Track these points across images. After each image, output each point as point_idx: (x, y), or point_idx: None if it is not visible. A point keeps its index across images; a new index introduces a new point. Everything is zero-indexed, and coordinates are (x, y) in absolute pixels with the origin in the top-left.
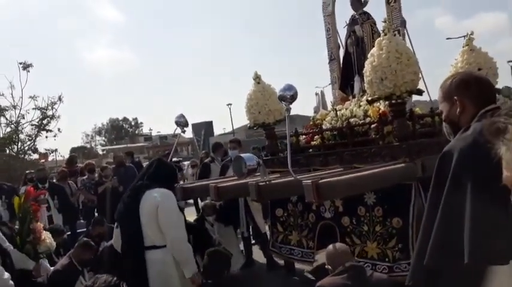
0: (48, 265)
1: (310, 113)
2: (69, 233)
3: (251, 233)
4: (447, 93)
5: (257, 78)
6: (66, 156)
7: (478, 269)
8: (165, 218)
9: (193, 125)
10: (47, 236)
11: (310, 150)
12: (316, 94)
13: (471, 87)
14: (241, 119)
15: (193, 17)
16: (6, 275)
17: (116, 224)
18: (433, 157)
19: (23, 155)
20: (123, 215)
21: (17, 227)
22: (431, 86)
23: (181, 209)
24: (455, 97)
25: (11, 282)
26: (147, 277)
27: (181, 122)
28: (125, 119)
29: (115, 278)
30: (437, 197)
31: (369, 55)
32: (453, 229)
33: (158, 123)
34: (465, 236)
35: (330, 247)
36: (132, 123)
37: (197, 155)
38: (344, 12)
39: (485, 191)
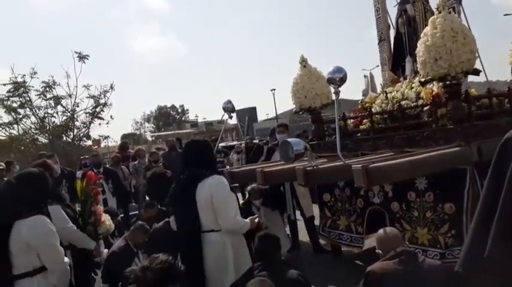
0: (103, 246)
1: (356, 97)
2: (122, 215)
3: (297, 216)
4: None
5: (303, 62)
6: (118, 142)
7: None
8: (220, 207)
9: (237, 111)
10: (106, 219)
11: (359, 134)
12: (365, 76)
13: None
14: (285, 105)
15: (237, 3)
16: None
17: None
18: (491, 141)
19: (78, 142)
20: (178, 201)
21: (78, 209)
22: (488, 65)
23: (234, 192)
24: None
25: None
26: (203, 258)
27: (229, 108)
28: (172, 107)
29: (170, 258)
30: (497, 187)
31: (421, 35)
32: None
33: (204, 110)
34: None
35: (381, 231)
36: (179, 110)
37: (242, 140)
38: None
39: None
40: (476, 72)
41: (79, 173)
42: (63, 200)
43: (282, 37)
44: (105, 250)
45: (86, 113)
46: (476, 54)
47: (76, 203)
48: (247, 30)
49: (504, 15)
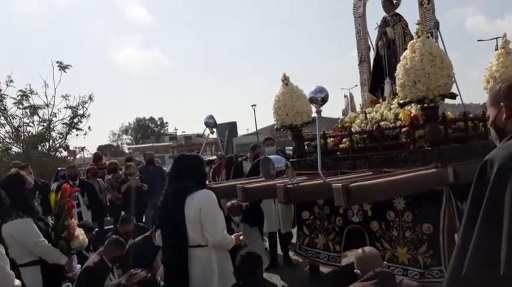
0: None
1: (335, 115)
2: (97, 229)
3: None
4: (494, 99)
5: (285, 80)
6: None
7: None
8: (208, 222)
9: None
10: (80, 233)
11: (338, 153)
12: (345, 96)
13: None
14: (265, 121)
15: (220, 20)
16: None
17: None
18: (466, 163)
19: (54, 153)
20: (166, 216)
21: (51, 222)
22: (463, 89)
23: (221, 207)
24: (502, 103)
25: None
26: (189, 274)
27: (211, 123)
28: (151, 119)
29: (150, 274)
30: (476, 210)
31: (401, 58)
32: (492, 245)
33: (183, 124)
34: (503, 249)
35: (360, 251)
36: (158, 122)
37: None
38: (375, 14)
39: None
40: (453, 96)
41: (54, 185)
42: (35, 213)
43: (264, 54)
44: (79, 266)
45: (63, 123)
46: (453, 79)
47: (49, 216)
48: (230, 46)
49: (478, 40)
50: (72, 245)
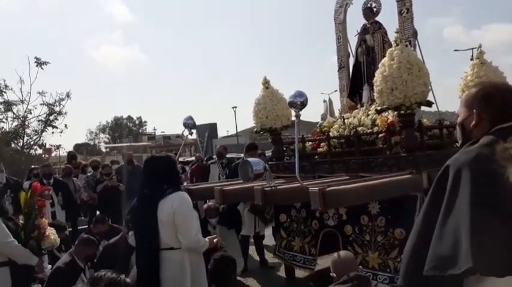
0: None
1: (314, 119)
2: (70, 229)
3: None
4: (469, 101)
5: (266, 83)
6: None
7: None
8: (182, 224)
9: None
10: (51, 233)
11: (316, 157)
12: (324, 101)
13: (494, 103)
14: (245, 123)
15: (202, 20)
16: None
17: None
18: (440, 170)
19: (28, 150)
20: (139, 218)
21: (21, 222)
22: (440, 97)
23: (196, 209)
24: (474, 110)
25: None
26: (160, 277)
27: (190, 124)
28: (129, 118)
29: (115, 275)
30: (433, 207)
31: (379, 65)
32: (447, 239)
33: (163, 123)
34: (463, 243)
35: (336, 254)
36: (137, 122)
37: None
38: (355, 21)
39: (482, 203)
40: (429, 104)
41: (27, 184)
42: (5, 212)
43: (246, 55)
44: (49, 266)
45: (39, 120)
46: (430, 87)
47: (20, 215)
48: (211, 46)
49: (454, 50)
50: (42, 245)
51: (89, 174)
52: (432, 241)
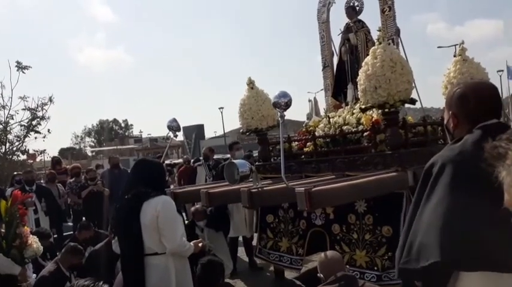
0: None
1: (301, 118)
2: (55, 236)
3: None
4: (447, 104)
5: (250, 84)
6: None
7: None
8: (166, 228)
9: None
10: (33, 241)
11: (303, 156)
12: (310, 101)
13: (469, 104)
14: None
15: (187, 20)
16: None
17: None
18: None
19: (10, 156)
20: (122, 223)
21: (3, 231)
22: (424, 94)
23: (180, 213)
24: (451, 112)
25: None
26: (145, 282)
27: (174, 127)
28: (115, 121)
29: (92, 282)
30: (419, 203)
31: (363, 64)
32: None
33: (149, 126)
34: (439, 235)
35: (323, 255)
36: (123, 125)
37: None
38: (339, 20)
39: (459, 197)
40: (413, 101)
41: (9, 191)
42: None
43: (232, 56)
44: (34, 275)
45: (21, 125)
46: (413, 84)
47: (1, 224)
48: (197, 47)
49: (438, 47)
50: (25, 254)
51: (71, 180)
52: (409, 235)
